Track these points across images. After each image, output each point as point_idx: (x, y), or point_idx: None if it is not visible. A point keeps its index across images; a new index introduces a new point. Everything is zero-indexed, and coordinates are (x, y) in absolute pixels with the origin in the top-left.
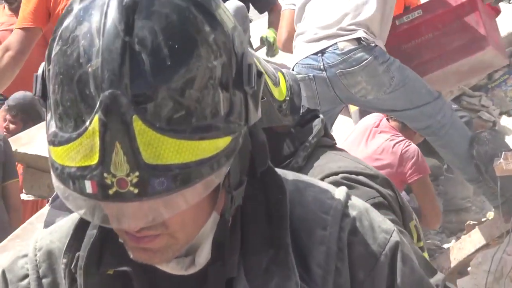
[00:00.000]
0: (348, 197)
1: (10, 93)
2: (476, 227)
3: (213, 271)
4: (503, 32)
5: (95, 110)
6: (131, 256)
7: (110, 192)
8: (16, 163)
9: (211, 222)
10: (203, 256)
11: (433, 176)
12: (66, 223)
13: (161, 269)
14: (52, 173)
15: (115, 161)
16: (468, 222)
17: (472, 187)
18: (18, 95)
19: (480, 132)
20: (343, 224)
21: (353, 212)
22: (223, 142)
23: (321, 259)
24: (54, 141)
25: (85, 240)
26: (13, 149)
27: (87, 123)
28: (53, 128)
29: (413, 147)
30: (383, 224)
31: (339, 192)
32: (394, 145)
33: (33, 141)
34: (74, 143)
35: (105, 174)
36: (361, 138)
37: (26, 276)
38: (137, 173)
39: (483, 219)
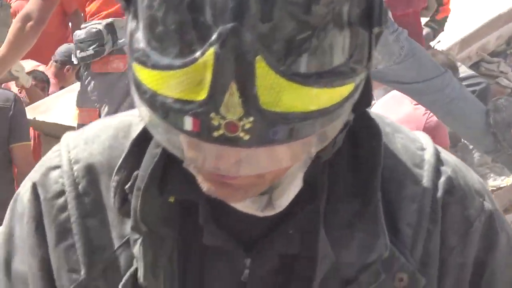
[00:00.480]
0: (437, 149)
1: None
2: (495, 193)
3: (302, 216)
4: (506, 6)
5: (210, 42)
6: (204, 189)
7: (215, 134)
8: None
9: (299, 164)
10: (285, 198)
11: (452, 143)
12: (103, 133)
13: (230, 205)
14: (136, 94)
15: (227, 103)
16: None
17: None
18: (63, 48)
19: (496, 99)
20: (438, 182)
21: (448, 169)
22: (346, 90)
23: (412, 218)
24: (146, 62)
25: (147, 158)
26: (31, 117)
27: (198, 53)
28: (142, 44)
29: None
30: (476, 184)
31: (427, 142)
32: (419, 114)
33: (50, 109)
34: (176, 72)
35: (212, 114)
36: (388, 106)
37: (62, 192)
38: (251, 119)
39: (502, 185)
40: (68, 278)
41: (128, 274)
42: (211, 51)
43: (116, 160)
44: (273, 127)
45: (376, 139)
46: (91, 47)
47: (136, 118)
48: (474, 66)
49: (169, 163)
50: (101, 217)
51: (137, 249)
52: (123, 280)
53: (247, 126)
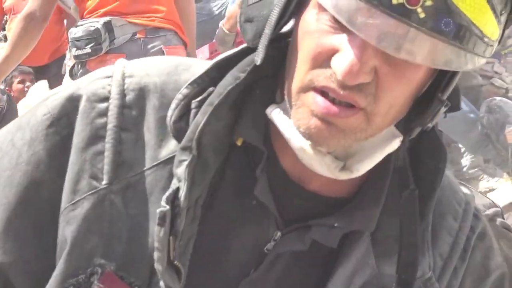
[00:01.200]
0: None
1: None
2: (487, 194)
3: (355, 214)
4: None
5: None
6: (303, 127)
7: (395, 1)
8: None
9: (385, 134)
10: (364, 165)
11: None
12: (164, 62)
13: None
14: None
15: None
16: (479, 190)
17: (482, 156)
18: None
19: (490, 100)
20: (474, 225)
21: (483, 218)
22: (497, 34)
23: (444, 250)
24: None
25: (227, 79)
26: None
27: None
28: None
29: None
30: (496, 245)
31: (465, 188)
32: None
33: None
34: None
35: None
36: None
37: (107, 99)
38: None
39: (495, 187)
40: (87, 184)
41: (170, 190)
42: None
43: (169, 86)
44: (448, 17)
45: (442, 162)
46: (88, 46)
47: (198, 61)
48: None
49: (249, 100)
50: (138, 134)
51: (182, 170)
52: (167, 194)
53: (428, 3)
